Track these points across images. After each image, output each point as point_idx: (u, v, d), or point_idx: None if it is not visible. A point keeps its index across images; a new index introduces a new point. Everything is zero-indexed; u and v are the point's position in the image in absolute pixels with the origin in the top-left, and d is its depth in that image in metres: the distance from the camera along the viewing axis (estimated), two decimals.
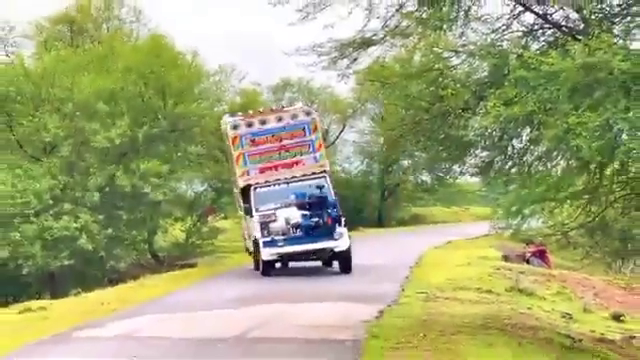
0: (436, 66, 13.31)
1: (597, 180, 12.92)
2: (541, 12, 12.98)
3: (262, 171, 18.34)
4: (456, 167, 16.45)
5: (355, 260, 22.99)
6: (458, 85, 12.88)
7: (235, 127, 18.68)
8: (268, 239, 17.18)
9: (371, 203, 44.41)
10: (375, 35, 13.51)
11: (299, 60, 14.38)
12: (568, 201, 13.94)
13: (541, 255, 27.12)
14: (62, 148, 28.37)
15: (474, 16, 12.82)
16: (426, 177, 36.26)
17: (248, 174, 18.50)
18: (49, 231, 26.13)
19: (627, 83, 10.30)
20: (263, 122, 18.51)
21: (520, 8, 12.92)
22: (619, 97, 10.24)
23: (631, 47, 11.38)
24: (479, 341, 12.46)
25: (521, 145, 13.39)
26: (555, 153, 12.56)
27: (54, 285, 27.06)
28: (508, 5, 13.05)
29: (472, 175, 17.19)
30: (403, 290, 18.63)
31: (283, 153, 18.25)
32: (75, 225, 26.42)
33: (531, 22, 13.24)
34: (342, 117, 43.87)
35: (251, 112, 21.51)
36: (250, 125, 18.54)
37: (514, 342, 12.75)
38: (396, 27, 13.28)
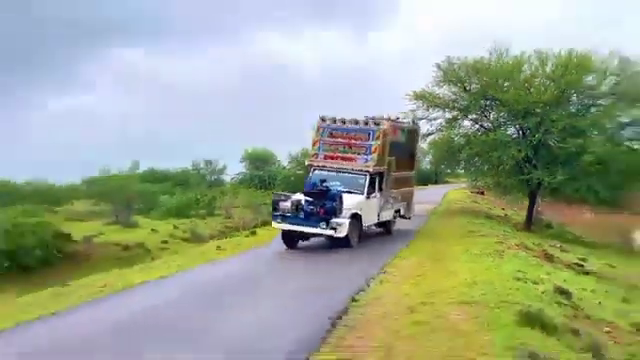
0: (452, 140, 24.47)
1: (498, 169, 23.64)
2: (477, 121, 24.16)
3: (326, 158, 15.67)
4: (457, 168, 28.50)
5: (427, 193, 33.64)
6: (460, 144, 23.88)
7: (323, 120, 16.10)
8: (277, 213, 14.12)
9: (431, 178, 55.53)
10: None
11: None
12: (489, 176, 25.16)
13: (482, 192, 35.96)
14: None
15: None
16: (448, 170, 41.07)
17: (316, 157, 15.85)
18: None
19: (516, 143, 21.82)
20: (343, 122, 15.83)
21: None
22: (512, 145, 21.99)
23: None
24: (466, 215, 23.76)
25: (480, 160, 24.39)
26: (488, 164, 24.32)
27: None
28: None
29: (461, 169, 29.34)
30: (441, 202, 29.82)
31: (347, 149, 15.49)
32: None
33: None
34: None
35: None
36: (334, 122, 15.89)
37: (476, 215, 23.94)
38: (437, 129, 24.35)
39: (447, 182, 53.87)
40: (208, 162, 40.55)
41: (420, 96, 23.51)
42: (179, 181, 37.14)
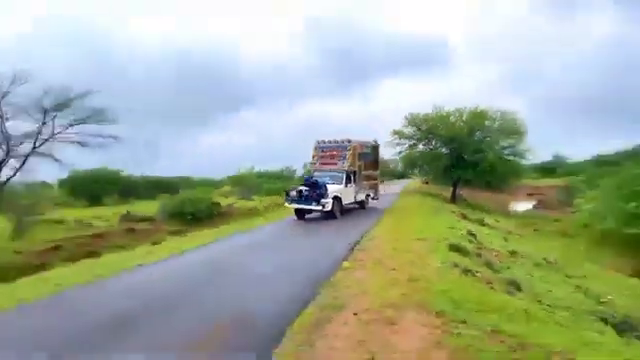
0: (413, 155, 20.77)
1: (436, 171, 20.32)
2: (427, 147, 21.14)
3: (320, 164, 13.36)
4: (415, 170, 23.67)
5: (398, 185, 29.29)
6: (417, 157, 20.63)
7: (318, 142, 13.80)
8: (288, 197, 12.02)
9: (400, 176, 45.03)
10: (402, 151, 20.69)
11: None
12: (431, 174, 21.81)
13: (427, 183, 28.98)
14: None
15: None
16: (410, 171, 31.69)
17: (315, 164, 13.46)
18: None
19: (446, 157, 19.93)
20: (330, 142, 13.63)
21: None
22: (443, 158, 19.20)
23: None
24: (418, 195, 20.92)
25: (427, 166, 20.60)
26: (430, 168, 20.71)
27: None
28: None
29: (417, 171, 22.88)
30: (402, 189, 25.37)
31: (332, 158, 13.31)
32: None
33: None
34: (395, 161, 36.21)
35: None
36: (325, 142, 13.68)
37: (423, 195, 21.19)
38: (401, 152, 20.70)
39: (409, 178, 51.58)
40: (289, 166, 40.60)
41: (396, 132, 22.30)
42: (275, 176, 37.50)
